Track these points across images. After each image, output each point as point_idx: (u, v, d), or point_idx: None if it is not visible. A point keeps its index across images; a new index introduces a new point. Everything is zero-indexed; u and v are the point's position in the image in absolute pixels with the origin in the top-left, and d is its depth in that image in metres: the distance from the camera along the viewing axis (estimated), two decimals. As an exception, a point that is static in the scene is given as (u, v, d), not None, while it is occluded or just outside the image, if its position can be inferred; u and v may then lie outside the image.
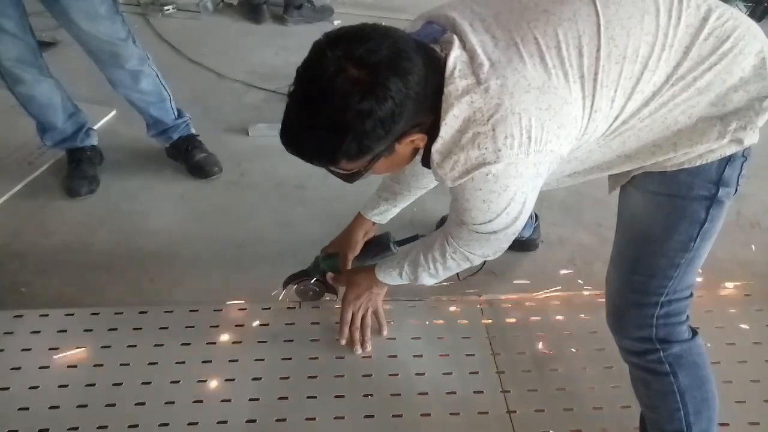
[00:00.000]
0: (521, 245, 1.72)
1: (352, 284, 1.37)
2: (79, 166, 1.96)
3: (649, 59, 0.87)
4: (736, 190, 0.97)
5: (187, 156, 2.04)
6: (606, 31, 0.86)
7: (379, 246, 1.47)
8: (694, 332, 1.06)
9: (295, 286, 1.48)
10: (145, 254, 1.74)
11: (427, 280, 1.20)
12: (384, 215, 1.46)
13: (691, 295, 1.04)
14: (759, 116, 0.89)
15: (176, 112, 2.03)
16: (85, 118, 2.01)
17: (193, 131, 2.10)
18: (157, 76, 1.92)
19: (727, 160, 0.93)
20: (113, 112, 2.34)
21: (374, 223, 1.47)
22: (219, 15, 3.34)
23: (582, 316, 1.52)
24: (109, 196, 1.97)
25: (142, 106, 1.96)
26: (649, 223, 1.00)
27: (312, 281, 1.46)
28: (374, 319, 1.42)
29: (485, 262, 1.32)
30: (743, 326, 1.50)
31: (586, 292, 1.60)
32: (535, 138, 0.83)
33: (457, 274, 1.42)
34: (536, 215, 1.75)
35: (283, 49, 3.00)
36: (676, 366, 1.02)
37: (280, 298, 1.52)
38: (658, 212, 0.99)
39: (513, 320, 1.51)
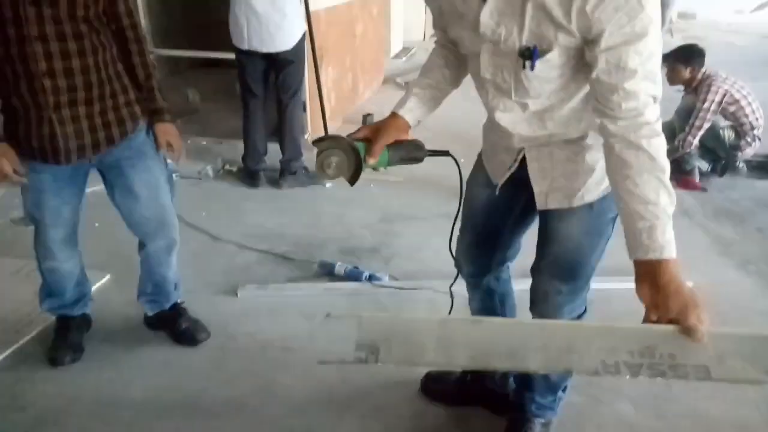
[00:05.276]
0: None
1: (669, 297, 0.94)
2: (66, 335, 1.96)
3: None
4: None
5: (174, 325, 2.04)
6: None
7: (413, 144, 1.30)
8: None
9: (319, 157, 1.19)
10: (122, 427, 1.68)
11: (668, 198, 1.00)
12: (414, 113, 1.31)
13: None
14: None
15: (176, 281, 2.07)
16: (89, 288, 2.03)
17: (180, 299, 2.12)
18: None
19: None
20: (107, 277, 2.40)
21: (408, 127, 1.32)
22: (219, 181, 3.57)
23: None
24: (92, 363, 1.94)
25: (159, 276, 1.97)
26: (581, 242, 1.31)
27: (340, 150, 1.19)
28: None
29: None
30: None
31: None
32: None
33: None
34: None
35: (277, 211, 3.17)
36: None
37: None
38: (588, 236, 1.31)
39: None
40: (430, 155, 1.30)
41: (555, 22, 1.01)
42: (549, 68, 1.07)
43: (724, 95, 3.35)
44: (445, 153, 1.28)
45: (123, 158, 1.72)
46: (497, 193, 1.38)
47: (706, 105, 3.33)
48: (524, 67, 1.07)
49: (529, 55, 1.05)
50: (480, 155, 1.47)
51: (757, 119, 3.46)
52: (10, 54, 1.48)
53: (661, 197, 0.97)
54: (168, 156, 1.85)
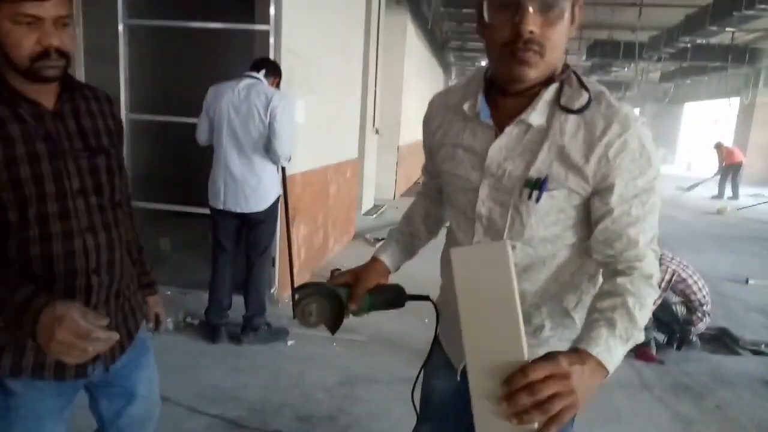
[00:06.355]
0: None
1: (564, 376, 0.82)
2: None
3: None
4: None
5: None
6: None
7: (394, 289, 1.28)
8: None
9: (299, 305, 1.16)
10: None
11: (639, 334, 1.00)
12: (394, 258, 1.35)
13: None
14: None
15: None
16: None
17: None
18: None
19: None
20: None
21: (388, 272, 1.33)
22: (178, 334, 3.47)
23: None
24: None
25: None
26: None
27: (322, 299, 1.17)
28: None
29: None
30: None
31: None
32: None
33: None
34: None
35: (235, 369, 3.06)
36: None
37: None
38: None
39: None
40: (410, 300, 1.29)
41: (569, 164, 1.04)
42: (551, 207, 1.08)
43: (673, 274, 3.56)
44: (426, 298, 1.29)
45: (131, 359, 1.46)
46: (459, 379, 1.29)
47: (656, 282, 3.52)
48: (529, 197, 1.08)
49: (538, 186, 1.06)
50: (437, 339, 1.38)
51: (704, 296, 3.65)
52: (51, 252, 1.22)
53: (617, 315, 0.97)
54: (151, 328, 1.67)
